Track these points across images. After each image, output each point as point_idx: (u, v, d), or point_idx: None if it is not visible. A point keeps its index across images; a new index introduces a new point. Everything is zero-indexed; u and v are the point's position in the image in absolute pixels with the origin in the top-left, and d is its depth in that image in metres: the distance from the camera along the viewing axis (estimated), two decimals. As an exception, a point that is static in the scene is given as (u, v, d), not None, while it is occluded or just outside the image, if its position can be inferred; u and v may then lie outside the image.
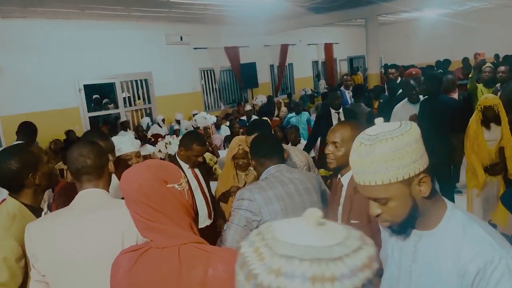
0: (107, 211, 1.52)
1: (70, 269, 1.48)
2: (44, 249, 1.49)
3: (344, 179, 1.95)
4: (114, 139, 2.75)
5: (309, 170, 2.75)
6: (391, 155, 1.06)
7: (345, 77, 8.06)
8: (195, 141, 2.94)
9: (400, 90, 5.99)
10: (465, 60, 10.21)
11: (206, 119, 5.99)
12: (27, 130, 3.96)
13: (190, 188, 1.32)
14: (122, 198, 1.31)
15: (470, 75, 5.76)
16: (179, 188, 1.28)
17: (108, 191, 1.63)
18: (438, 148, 4.13)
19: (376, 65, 10.88)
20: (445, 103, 4.27)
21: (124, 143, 2.69)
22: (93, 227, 1.48)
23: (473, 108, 5.38)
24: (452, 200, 4.30)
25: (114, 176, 2.74)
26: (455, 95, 5.41)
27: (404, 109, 4.62)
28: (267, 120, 3.92)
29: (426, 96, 4.45)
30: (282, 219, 1.84)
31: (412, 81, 4.88)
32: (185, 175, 1.33)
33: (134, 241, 1.43)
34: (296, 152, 2.81)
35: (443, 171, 4.30)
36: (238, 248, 1.88)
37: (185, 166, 2.99)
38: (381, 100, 6.38)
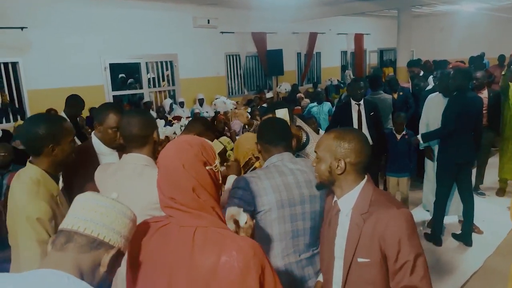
0: (140, 179, 1.74)
1: None
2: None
3: (343, 204, 1.54)
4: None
5: None
6: None
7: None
8: (211, 126, 2.90)
9: (429, 86, 5.77)
10: (501, 57, 9.75)
11: (226, 104, 5.96)
12: (72, 103, 4.33)
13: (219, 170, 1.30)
14: None
15: (503, 73, 5.49)
16: (215, 170, 1.24)
17: (152, 157, 1.81)
18: (463, 147, 3.95)
19: (407, 58, 10.56)
20: (473, 101, 4.03)
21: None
22: (128, 192, 1.66)
23: (501, 108, 5.15)
24: (472, 201, 4.13)
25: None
26: (485, 93, 5.17)
27: (436, 101, 4.34)
28: (286, 105, 3.82)
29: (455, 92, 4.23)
30: (277, 210, 1.78)
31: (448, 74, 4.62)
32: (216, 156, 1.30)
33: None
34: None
35: (467, 170, 4.10)
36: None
37: None
38: (401, 93, 6.16)
